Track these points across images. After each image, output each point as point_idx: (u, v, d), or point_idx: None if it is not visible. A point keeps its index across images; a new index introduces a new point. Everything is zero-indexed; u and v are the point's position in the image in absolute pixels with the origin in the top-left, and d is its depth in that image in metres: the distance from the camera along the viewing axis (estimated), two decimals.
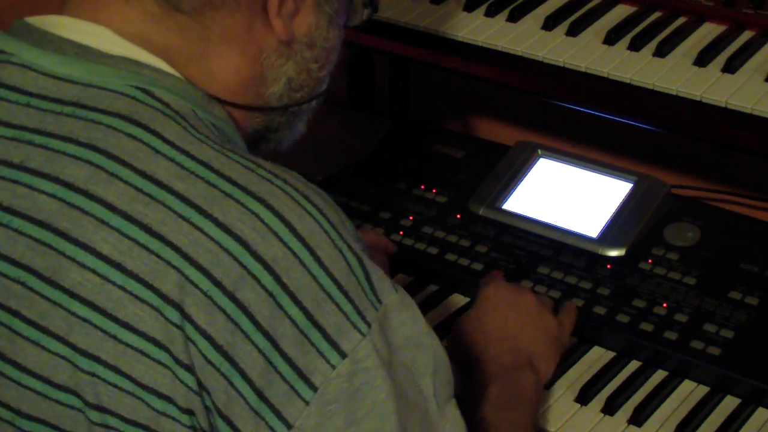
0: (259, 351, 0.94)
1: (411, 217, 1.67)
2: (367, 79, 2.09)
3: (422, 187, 1.72)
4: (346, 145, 1.85)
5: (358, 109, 2.05)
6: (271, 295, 0.94)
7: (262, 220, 0.95)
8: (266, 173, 0.99)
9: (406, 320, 1.01)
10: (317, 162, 1.80)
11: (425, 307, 1.56)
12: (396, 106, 2.09)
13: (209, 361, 0.95)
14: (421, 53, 1.68)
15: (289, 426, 0.95)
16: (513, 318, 1.42)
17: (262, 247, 0.94)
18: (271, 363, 0.94)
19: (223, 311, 0.94)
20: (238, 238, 0.94)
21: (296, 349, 0.94)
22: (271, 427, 0.95)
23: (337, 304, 0.96)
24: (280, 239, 0.95)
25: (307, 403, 0.95)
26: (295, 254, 0.95)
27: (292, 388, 0.95)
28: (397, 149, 1.81)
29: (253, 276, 0.94)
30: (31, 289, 0.99)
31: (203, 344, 0.94)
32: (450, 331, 1.51)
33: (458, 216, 1.66)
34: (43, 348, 0.99)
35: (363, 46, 1.76)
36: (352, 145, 1.83)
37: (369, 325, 0.97)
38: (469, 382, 1.35)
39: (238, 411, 0.95)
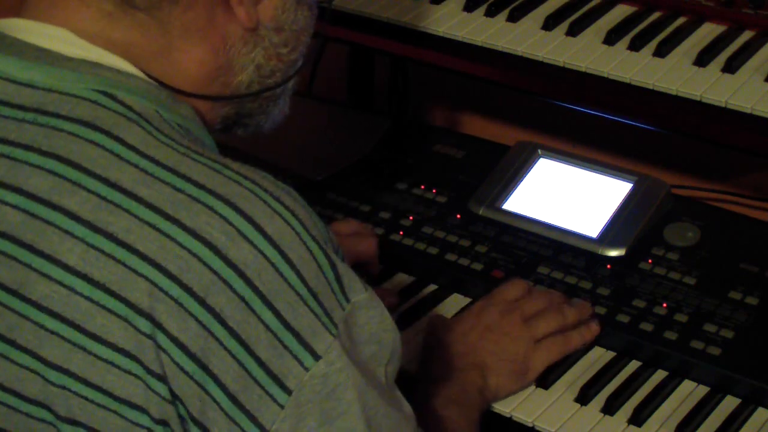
0: (233, 356, 0.93)
1: (411, 217, 1.67)
2: (367, 79, 2.10)
3: (422, 187, 1.72)
4: (346, 145, 1.85)
5: (357, 109, 2.05)
6: (243, 299, 0.93)
7: (231, 224, 0.94)
8: (234, 174, 0.97)
9: (374, 317, 1.01)
10: (317, 162, 1.80)
11: (425, 307, 1.56)
12: (396, 106, 2.09)
13: (182, 369, 0.94)
14: (421, 53, 1.68)
15: (264, 431, 0.94)
16: (483, 330, 1.42)
17: (232, 252, 0.93)
18: (245, 368, 0.93)
19: (195, 318, 0.93)
20: (207, 243, 0.93)
21: (270, 353, 0.94)
22: None
23: (309, 307, 0.95)
24: (251, 242, 0.94)
25: (282, 407, 0.94)
26: (266, 257, 0.94)
27: (267, 392, 0.94)
28: (397, 149, 1.81)
29: (225, 281, 0.93)
30: None
31: (176, 352, 0.93)
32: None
33: (458, 216, 1.66)
34: (12, 361, 0.98)
35: (363, 46, 1.77)
36: (352, 145, 1.83)
37: (336, 326, 0.96)
38: (423, 374, 1.37)
39: (212, 416, 0.94)
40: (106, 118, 0.98)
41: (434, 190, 1.71)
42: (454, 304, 1.57)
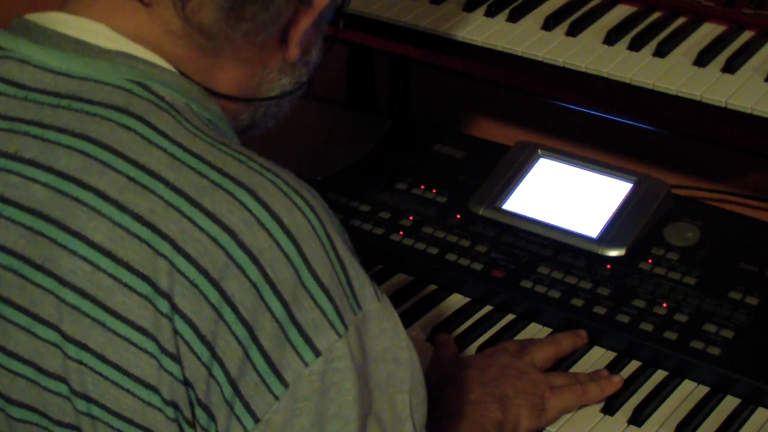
0: (238, 342, 0.94)
1: (411, 217, 1.67)
2: (367, 79, 2.10)
3: (422, 187, 1.72)
4: (346, 145, 1.85)
5: (358, 109, 2.05)
6: (254, 286, 0.94)
7: (250, 211, 0.96)
8: (257, 166, 0.99)
9: (387, 330, 1.00)
10: (317, 162, 1.80)
11: (425, 307, 1.57)
12: (396, 106, 2.10)
13: (194, 352, 0.95)
14: (421, 53, 1.68)
15: (256, 419, 0.95)
16: (500, 368, 1.39)
17: (249, 238, 0.95)
18: (247, 354, 0.95)
19: (208, 300, 0.94)
20: (226, 228, 0.95)
21: (273, 342, 0.95)
22: (239, 419, 0.95)
23: (316, 302, 0.96)
24: (267, 231, 0.95)
25: (277, 398, 0.95)
26: (280, 247, 0.95)
27: (264, 381, 0.95)
28: (397, 149, 1.81)
29: (239, 266, 0.94)
30: (22, 276, 0.99)
31: (189, 334, 0.95)
32: (448, 332, 1.51)
33: (458, 216, 1.66)
34: (34, 335, 1.00)
35: (363, 46, 1.77)
36: (352, 145, 1.83)
37: (346, 327, 0.97)
38: (437, 405, 1.32)
39: (215, 400, 0.96)
40: (139, 105, 1.01)
41: (434, 190, 1.71)
42: (453, 304, 1.57)
